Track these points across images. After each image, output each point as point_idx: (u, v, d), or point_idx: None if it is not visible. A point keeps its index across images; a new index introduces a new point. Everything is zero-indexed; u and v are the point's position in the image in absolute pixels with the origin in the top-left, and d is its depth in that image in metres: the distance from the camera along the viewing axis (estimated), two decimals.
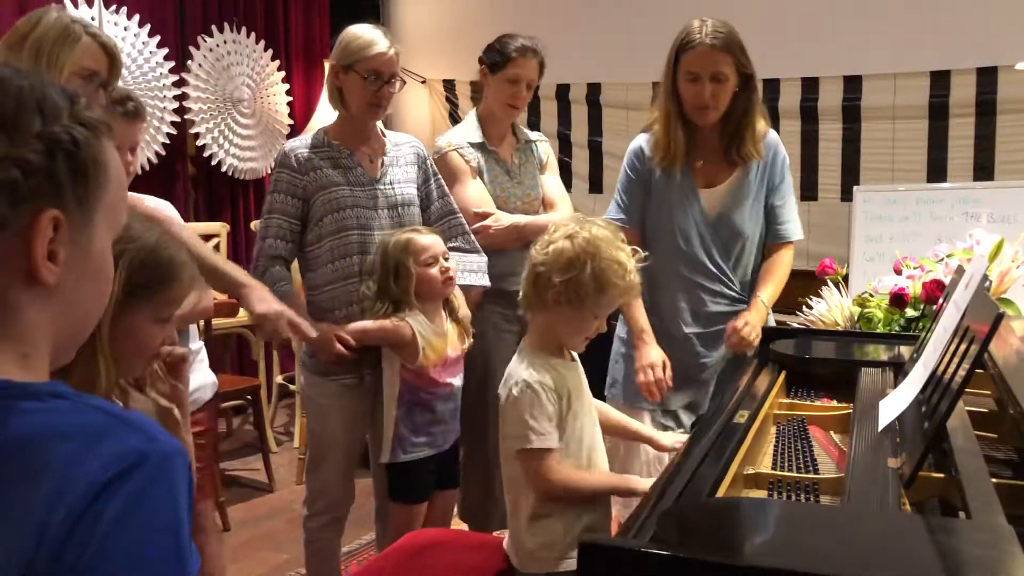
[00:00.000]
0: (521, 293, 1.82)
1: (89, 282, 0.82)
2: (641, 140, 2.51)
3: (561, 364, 1.80)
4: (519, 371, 1.76)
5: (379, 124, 2.57)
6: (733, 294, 2.47)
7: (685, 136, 2.39)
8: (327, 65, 2.50)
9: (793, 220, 2.51)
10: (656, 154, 2.43)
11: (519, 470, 1.75)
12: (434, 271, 2.38)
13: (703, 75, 2.30)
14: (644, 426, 2.18)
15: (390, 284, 2.37)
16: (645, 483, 1.74)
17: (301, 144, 2.47)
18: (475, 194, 2.78)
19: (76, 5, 3.52)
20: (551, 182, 2.99)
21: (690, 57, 2.31)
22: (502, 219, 2.77)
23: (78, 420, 0.74)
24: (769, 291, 2.44)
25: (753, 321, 2.33)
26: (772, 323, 2.52)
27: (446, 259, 2.42)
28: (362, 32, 2.42)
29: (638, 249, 1.80)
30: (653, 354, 2.35)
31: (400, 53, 2.44)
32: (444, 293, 2.44)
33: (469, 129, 2.88)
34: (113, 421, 0.74)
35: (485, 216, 2.75)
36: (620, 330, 2.58)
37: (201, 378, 2.23)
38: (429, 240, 2.40)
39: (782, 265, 2.49)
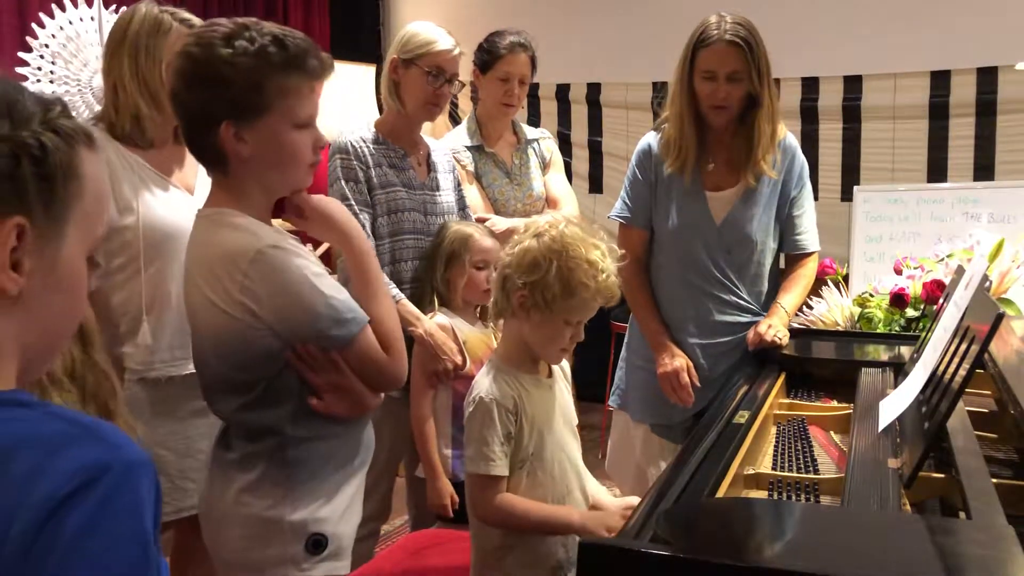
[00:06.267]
0: (491, 299, 1.68)
1: (58, 295, 0.79)
2: (650, 138, 2.44)
3: (532, 381, 1.64)
4: (479, 384, 1.62)
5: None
6: (742, 303, 2.36)
7: (698, 137, 2.31)
8: (387, 59, 2.44)
9: (811, 230, 2.42)
10: (667, 154, 2.35)
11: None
12: (482, 276, 2.32)
13: (719, 73, 2.22)
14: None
15: (437, 271, 2.33)
16: (578, 517, 1.58)
17: (357, 137, 2.37)
18: (471, 199, 2.73)
19: (76, 5, 3.52)
20: (555, 180, 2.94)
21: (706, 54, 2.23)
22: (498, 224, 2.71)
23: (40, 429, 0.71)
24: (791, 299, 2.35)
25: (776, 324, 2.24)
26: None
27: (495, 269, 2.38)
28: (426, 28, 2.41)
29: (616, 248, 1.64)
30: (676, 361, 2.29)
31: (463, 55, 2.41)
32: (483, 300, 2.37)
33: (466, 132, 2.84)
34: (76, 430, 0.72)
35: (481, 222, 2.72)
36: (629, 336, 2.53)
37: None
38: (489, 243, 2.34)
39: (805, 276, 2.40)
